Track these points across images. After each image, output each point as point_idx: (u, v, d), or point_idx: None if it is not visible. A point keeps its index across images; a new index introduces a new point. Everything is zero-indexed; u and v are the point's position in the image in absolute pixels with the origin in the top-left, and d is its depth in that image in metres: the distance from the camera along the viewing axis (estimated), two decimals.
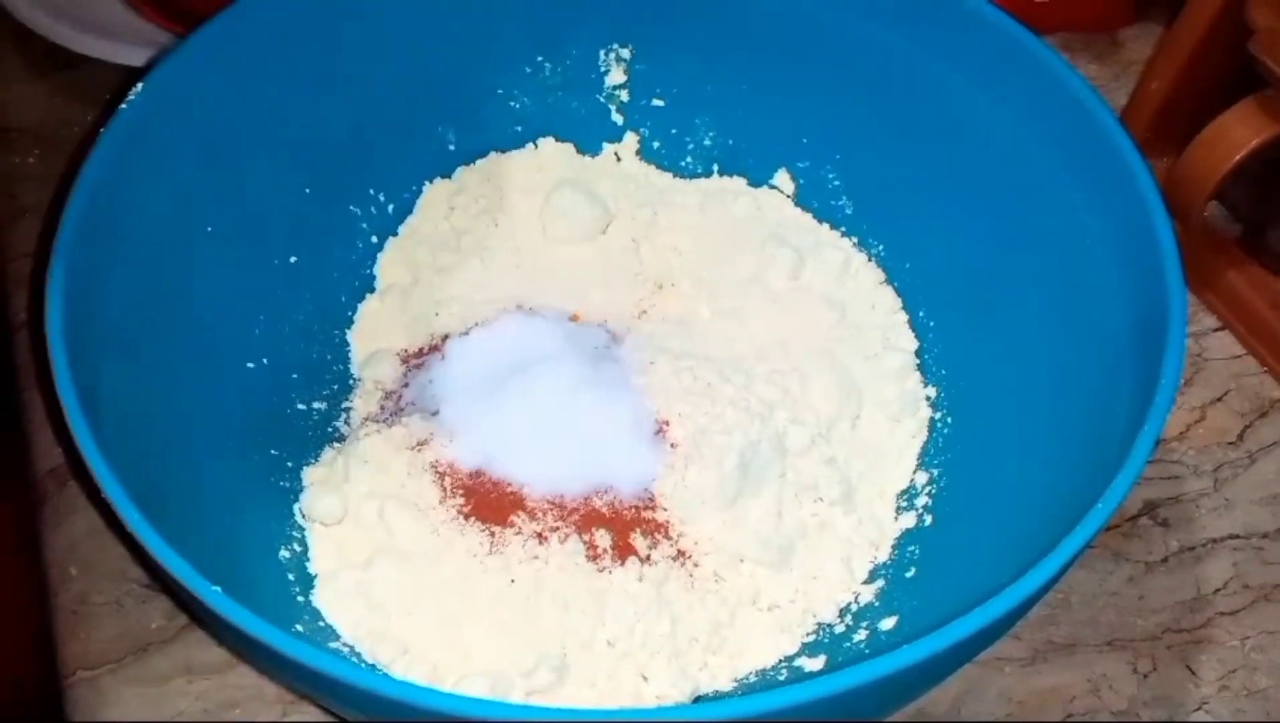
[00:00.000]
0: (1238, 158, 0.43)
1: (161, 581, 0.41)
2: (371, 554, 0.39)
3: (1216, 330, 0.48)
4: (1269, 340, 0.46)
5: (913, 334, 0.45)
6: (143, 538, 0.29)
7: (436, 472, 0.41)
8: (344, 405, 0.44)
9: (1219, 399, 0.46)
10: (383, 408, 0.43)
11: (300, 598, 0.38)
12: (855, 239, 0.47)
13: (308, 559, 0.39)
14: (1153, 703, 0.40)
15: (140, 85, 0.38)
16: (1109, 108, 0.38)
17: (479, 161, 0.48)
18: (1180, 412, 0.46)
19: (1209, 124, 0.43)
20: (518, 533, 0.39)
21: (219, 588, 0.29)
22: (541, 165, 0.48)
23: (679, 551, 0.40)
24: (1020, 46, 0.40)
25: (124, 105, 0.37)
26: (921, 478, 0.42)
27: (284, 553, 0.39)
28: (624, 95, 0.48)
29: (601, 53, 0.47)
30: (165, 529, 0.30)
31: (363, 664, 0.37)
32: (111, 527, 0.42)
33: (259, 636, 0.28)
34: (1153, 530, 0.43)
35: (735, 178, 0.48)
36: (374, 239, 0.46)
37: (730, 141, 0.48)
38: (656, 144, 0.49)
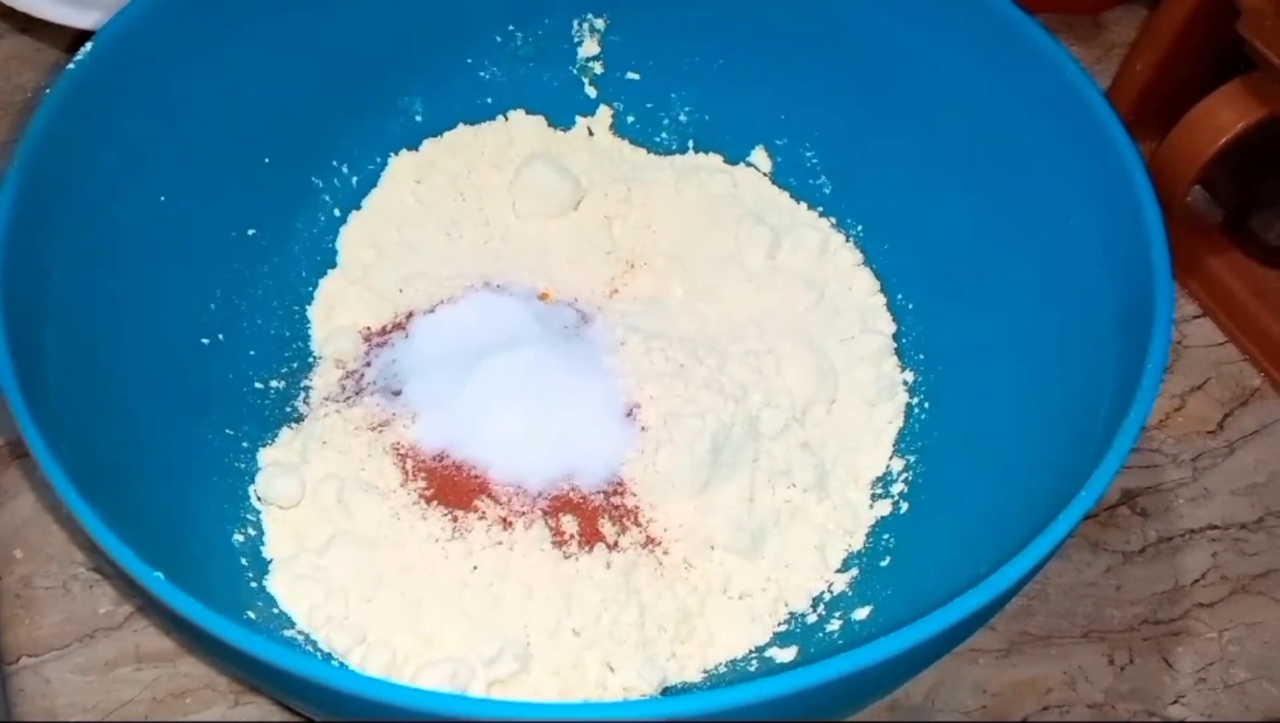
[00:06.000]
0: (1223, 141, 0.42)
1: (108, 566, 0.39)
2: (329, 539, 0.38)
3: (1197, 317, 0.47)
4: (1250, 328, 0.46)
5: (891, 317, 0.44)
6: (83, 520, 0.28)
7: (398, 454, 0.39)
8: (303, 384, 0.42)
9: (1199, 387, 0.46)
10: (343, 387, 0.42)
11: (254, 584, 0.37)
12: (834, 219, 0.46)
13: (263, 543, 0.38)
14: (1129, 696, 0.39)
15: (88, 45, 0.37)
16: (1098, 88, 0.37)
17: (446, 134, 0.47)
18: (1160, 399, 0.45)
19: (1194, 107, 0.42)
20: (481, 518, 0.38)
21: (161, 574, 0.27)
22: (511, 138, 0.47)
23: (648, 537, 0.39)
24: (1008, 23, 0.39)
25: (70, 65, 0.36)
26: (898, 464, 0.41)
27: (238, 537, 0.38)
28: (598, 68, 0.47)
29: (575, 23, 0.46)
30: (110, 511, 0.29)
31: (318, 654, 0.35)
32: (58, 509, 0.40)
33: (201, 623, 0.27)
34: (1131, 520, 0.42)
35: (711, 155, 0.47)
36: (336, 212, 0.45)
37: (706, 117, 0.47)
38: (631, 118, 0.48)
